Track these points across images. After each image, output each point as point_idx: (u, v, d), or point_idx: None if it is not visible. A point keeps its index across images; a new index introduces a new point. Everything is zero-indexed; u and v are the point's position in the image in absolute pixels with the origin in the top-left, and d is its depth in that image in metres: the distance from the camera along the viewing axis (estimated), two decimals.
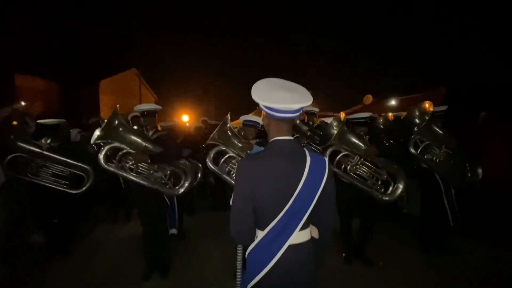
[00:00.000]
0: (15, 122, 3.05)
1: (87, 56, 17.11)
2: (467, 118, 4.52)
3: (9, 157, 3.08)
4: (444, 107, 3.37)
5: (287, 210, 1.29)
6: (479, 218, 3.84)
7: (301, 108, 1.31)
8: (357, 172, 3.03)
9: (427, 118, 3.06)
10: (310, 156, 1.35)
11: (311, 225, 1.42)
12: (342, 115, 3.00)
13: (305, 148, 1.40)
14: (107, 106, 16.85)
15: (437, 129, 3.23)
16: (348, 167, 3.01)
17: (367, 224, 3.30)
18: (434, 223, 3.46)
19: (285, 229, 1.31)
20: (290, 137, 1.36)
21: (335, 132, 2.90)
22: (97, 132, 2.67)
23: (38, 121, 3.71)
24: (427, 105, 3.10)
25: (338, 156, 3.00)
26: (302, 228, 1.34)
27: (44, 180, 3.28)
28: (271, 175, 1.29)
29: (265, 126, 1.40)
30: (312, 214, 1.35)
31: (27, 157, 3.20)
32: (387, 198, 2.98)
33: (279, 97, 1.26)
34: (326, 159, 1.40)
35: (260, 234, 1.34)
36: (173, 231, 3.28)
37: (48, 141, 3.32)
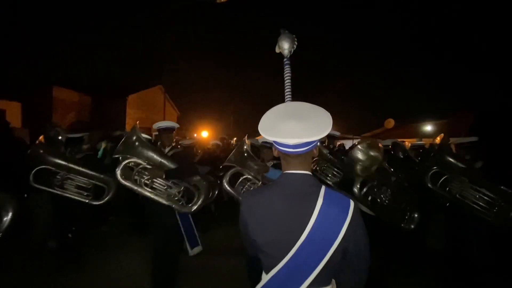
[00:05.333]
0: (41, 138, 3.18)
1: (117, 72, 18.36)
2: (501, 148, 4.24)
3: (34, 169, 3.15)
4: (471, 138, 3.17)
5: (291, 258, 1.10)
6: None
7: (305, 144, 1.08)
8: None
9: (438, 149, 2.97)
10: (324, 198, 1.10)
11: (334, 284, 1.20)
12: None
13: (323, 187, 1.16)
14: (133, 119, 17.66)
15: (455, 161, 2.97)
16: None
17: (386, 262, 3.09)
18: (460, 260, 3.17)
19: (291, 280, 1.12)
20: (304, 171, 1.15)
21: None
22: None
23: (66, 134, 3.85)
24: (439, 138, 3.00)
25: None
26: (316, 285, 1.12)
27: (69, 192, 3.29)
28: (270, 214, 1.14)
29: (277, 156, 1.23)
30: (333, 271, 1.15)
31: (53, 170, 3.25)
32: (406, 227, 2.97)
33: (280, 130, 1.09)
34: (352, 204, 1.12)
35: (264, 278, 1.18)
36: (196, 250, 3.21)
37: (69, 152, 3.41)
